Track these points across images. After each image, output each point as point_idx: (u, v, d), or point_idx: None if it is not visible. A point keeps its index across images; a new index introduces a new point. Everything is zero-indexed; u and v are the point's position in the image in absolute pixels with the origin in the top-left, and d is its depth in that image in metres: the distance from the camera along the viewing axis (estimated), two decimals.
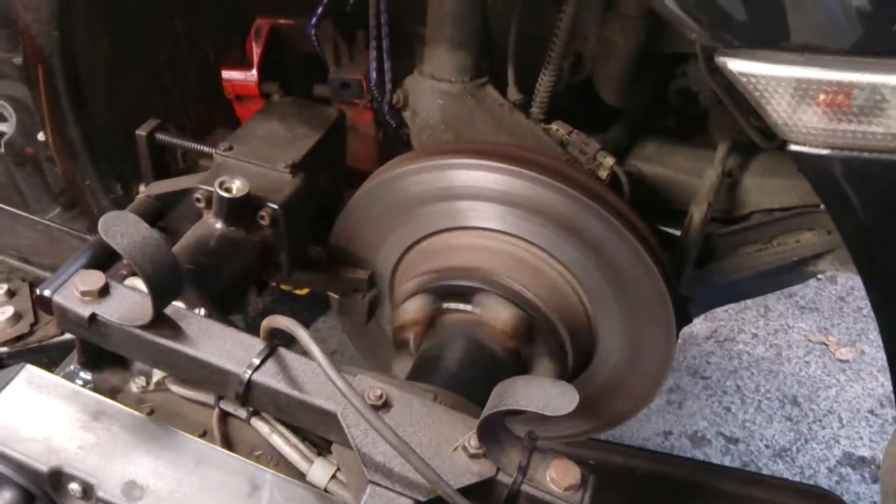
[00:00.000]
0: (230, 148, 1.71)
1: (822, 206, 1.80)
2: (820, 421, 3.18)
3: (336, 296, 1.86)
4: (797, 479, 3.00)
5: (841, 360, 3.38)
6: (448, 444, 1.22)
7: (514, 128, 1.82)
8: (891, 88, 1.06)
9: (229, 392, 1.28)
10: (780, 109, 1.13)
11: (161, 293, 1.23)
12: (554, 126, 1.84)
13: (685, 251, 1.87)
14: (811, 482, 2.99)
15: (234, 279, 1.57)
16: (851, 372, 3.34)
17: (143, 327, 1.27)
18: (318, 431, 1.28)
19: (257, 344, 1.29)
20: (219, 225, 1.59)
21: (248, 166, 1.68)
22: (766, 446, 3.09)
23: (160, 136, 1.80)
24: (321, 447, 1.33)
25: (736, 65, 1.14)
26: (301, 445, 1.31)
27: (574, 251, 1.68)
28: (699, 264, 1.94)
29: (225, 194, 1.56)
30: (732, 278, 1.95)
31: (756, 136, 1.86)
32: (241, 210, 1.59)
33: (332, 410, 1.24)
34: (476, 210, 1.71)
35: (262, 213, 1.61)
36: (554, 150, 1.82)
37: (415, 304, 1.71)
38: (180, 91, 2.07)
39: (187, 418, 1.35)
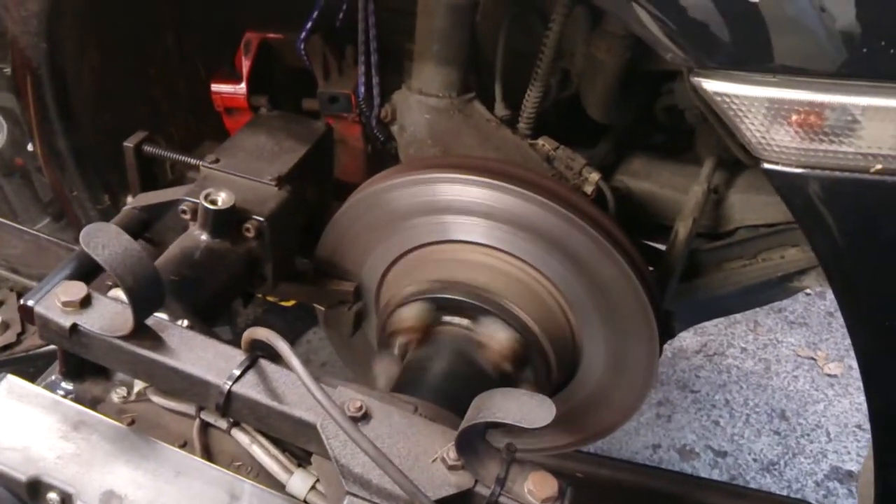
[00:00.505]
0: (217, 160, 1.72)
1: None
2: (808, 435, 3.18)
3: (322, 308, 1.86)
4: (785, 493, 3.00)
5: (829, 375, 3.39)
6: (427, 455, 1.23)
7: (501, 143, 1.83)
8: (861, 109, 1.07)
9: (210, 403, 1.29)
10: (753, 129, 1.14)
11: (142, 304, 1.23)
12: (540, 142, 1.85)
13: (670, 266, 1.88)
14: (799, 496, 2.99)
15: (217, 291, 1.57)
16: (839, 387, 3.34)
17: (124, 338, 1.27)
18: (297, 443, 1.29)
19: (238, 355, 1.30)
20: (204, 237, 1.60)
21: (235, 179, 1.68)
22: (755, 460, 3.09)
23: (147, 148, 1.80)
24: (301, 458, 1.33)
25: (711, 85, 1.16)
26: (281, 456, 1.31)
27: (559, 266, 1.69)
28: (684, 279, 1.95)
29: (210, 206, 1.57)
30: (717, 293, 1.96)
31: (740, 154, 1.82)
32: (226, 222, 1.60)
33: (311, 422, 1.24)
34: (463, 224, 1.71)
35: (248, 225, 1.62)
36: (540, 165, 1.83)
37: (412, 311, 1.71)
38: (170, 103, 2.08)
39: (168, 429, 1.36)
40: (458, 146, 1.85)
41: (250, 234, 1.62)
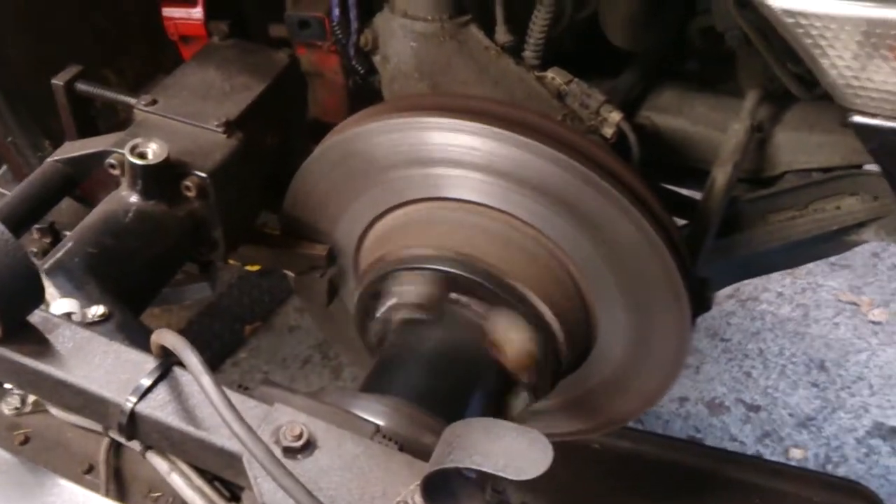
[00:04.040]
0: (154, 102, 1.38)
1: (870, 167, 1.55)
2: (849, 388, 2.88)
3: (292, 274, 1.53)
4: (822, 450, 2.73)
5: (873, 322, 3.06)
6: (386, 498, 0.91)
7: (502, 76, 1.49)
8: None
9: (110, 424, 0.97)
10: (841, 65, 0.77)
11: (8, 304, 0.90)
12: (550, 74, 1.50)
13: (706, 220, 1.56)
14: (837, 454, 2.73)
15: (150, 265, 1.25)
16: (884, 335, 3.02)
17: None
18: (223, 475, 0.97)
19: (147, 362, 0.97)
20: (133, 198, 1.27)
21: (174, 124, 1.34)
22: (790, 415, 2.80)
23: (81, 86, 1.46)
24: (234, 489, 1.01)
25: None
26: (207, 489, 0.99)
27: (570, 230, 1.36)
28: (721, 234, 1.63)
29: (138, 161, 1.23)
30: (759, 250, 1.65)
31: (793, 85, 1.55)
32: (159, 179, 1.26)
33: (236, 452, 0.92)
34: (455, 178, 1.38)
35: (188, 182, 1.28)
36: (549, 102, 1.50)
37: (419, 283, 1.38)
38: (119, 32, 1.73)
39: (70, 449, 1.04)
40: (450, 80, 1.51)
41: (191, 194, 1.28)
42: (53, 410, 1.05)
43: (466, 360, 1.37)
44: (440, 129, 1.36)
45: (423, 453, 0.99)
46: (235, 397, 0.94)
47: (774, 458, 2.67)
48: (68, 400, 0.96)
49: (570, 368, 1.46)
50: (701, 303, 1.46)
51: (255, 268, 1.65)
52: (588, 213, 1.34)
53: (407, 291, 1.39)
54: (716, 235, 1.59)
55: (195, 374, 0.88)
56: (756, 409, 2.81)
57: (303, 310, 2.95)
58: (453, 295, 1.38)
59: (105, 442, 1.03)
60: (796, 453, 2.70)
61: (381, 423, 1.11)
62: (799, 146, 1.66)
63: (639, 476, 2.00)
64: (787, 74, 1.53)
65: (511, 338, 1.37)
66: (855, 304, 3.12)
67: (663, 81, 1.75)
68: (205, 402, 0.94)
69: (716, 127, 1.67)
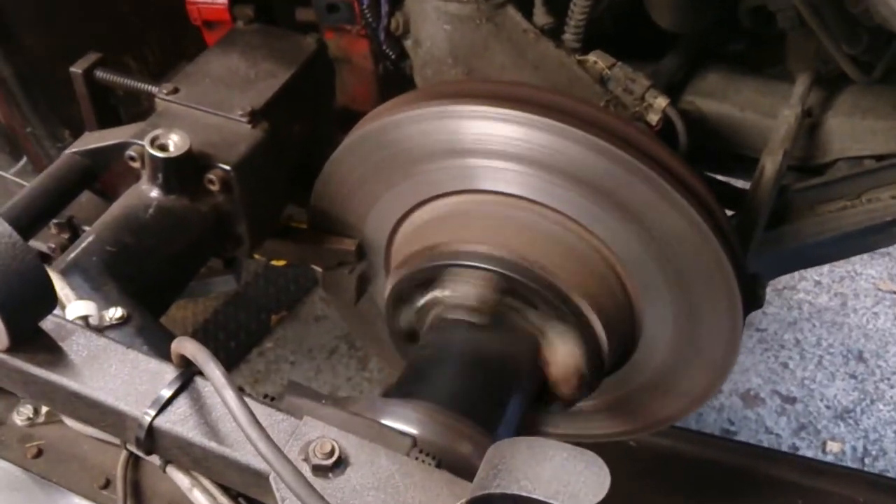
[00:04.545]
0: (175, 90, 1.29)
1: None
2: (888, 379, 2.78)
3: (319, 269, 1.45)
4: (861, 443, 2.64)
5: None
6: None
7: (541, 61, 1.40)
8: None
9: (127, 437, 0.89)
10: None
11: (17, 311, 0.83)
12: (592, 58, 1.41)
13: (755, 211, 1.47)
14: (876, 447, 2.64)
15: (171, 263, 1.17)
16: None
17: (7, 351, 0.87)
18: (249, 493, 0.89)
19: (166, 372, 0.89)
20: (154, 193, 1.19)
21: (197, 114, 1.26)
22: (827, 407, 2.71)
23: (100, 74, 1.38)
24: None
25: None
26: None
27: (615, 223, 1.27)
28: (768, 226, 1.53)
29: (158, 153, 1.15)
30: (808, 242, 1.55)
31: (849, 67, 1.48)
32: (181, 173, 1.18)
33: (262, 470, 0.84)
34: (495, 171, 1.29)
35: (211, 175, 1.20)
36: (591, 88, 1.41)
37: (478, 285, 1.28)
38: (139, 18, 1.64)
39: (86, 462, 0.97)
40: (486, 65, 1.42)
41: (215, 188, 1.20)
42: (69, 421, 0.98)
43: (513, 370, 1.28)
44: (478, 117, 1.27)
45: (461, 468, 0.91)
46: (261, 410, 0.87)
47: (811, 452, 2.59)
48: (83, 412, 0.89)
49: (611, 370, 1.36)
50: (752, 299, 1.36)
51: (281, 263, 1.58)
52: (635, 205, 1.24)
53: (462, 290, 1.29)
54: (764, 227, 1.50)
55: (218, 388, 0.80)
56: (792, 400, 2.72)
57: (329, 300, 2.89)
58: (510, 300, 1.29)
59: (123, 455, 0.96)
60: (833, 446, 2.62)
61: (415, 431, 1.04)
62: (851, 132, 1.56)
63: (676, 475, 1.90)
64: (844, 56, 1.44)
65: (563, 353, 1.28)
66: (895, 293, 3.01)
67: (707, 65, 1.66)
68: (227, 415, 0.86)
69: (764, 112, 1.59)
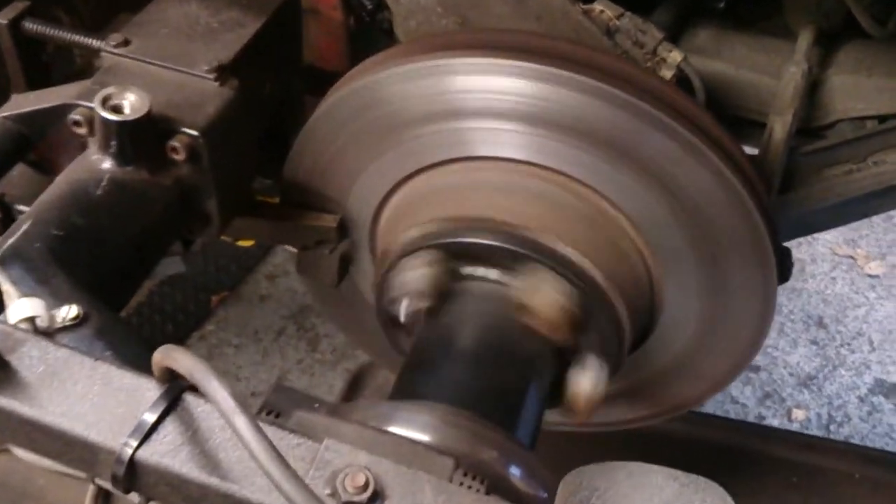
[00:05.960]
0: (126, 42, 1.08)
1: None
2: (848, 344, 2.75)
3: (294, 249, 1.26)
4: (825, 409, 2.62)
5: (870, 276, 2.93)
6: None
7: (543, 10, 1.24)
8: None
9: (100, 473, 0.70)
10: None
11: None
12: (597, 7, 1.26)
13: (767, 176, 1.33)
14: (840, 413, 2.62)
15: (131, 248, 0.97)
16: (882, 288, 2.89)
17: None
18: None
19: (147, 389, 0.70)
20: (106, 164, 0.98)
21: (153, 70, 1.06)
22: (791, 374, 2.67)
23: (29, 25, 1.16)
24: None
25: None
26: None
27: (633, 184, 1.12)
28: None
29: (112, 116, 0.94)
30: (815, 207, 1.44)
31: (866, 21, 1.39)
32: (139, 140, 0.98)
33: None
34: (492, 132, 1.12)
35: (175, 143, 0.99)
36: (597, 39, 1.25)
37: (418, 265, 1.11)
38: None
39: (42, 500, 0.77)
40: (482, 15, 1.25)
41: (179, 157, 1.00)
42: (19, 451, 0.78)
43: (500, 339, 1.12)
44: (477, 71, 1.10)
45: (505, 489, 0.75)
46: (273, 433, 0.68)
47: (776, 421, 2.54)
48: (41, 445, 0.69)
49: (633, 345, 1.21)
50: (782, 272, 1.23)
51: (249, 243, 1.38)
52: (655, 161, 1.09)
53: (410, 279, 1.13)
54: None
55: (226, 413, 0.62)
56: (756, 369, 2.66)
57: (274, 277, 2.69)
58: (466, 269, 1.13)
59: (91, 491, 0.76)
60: (798, 414, 2.57)
61: (427, 437, 0.87)
62: (855, 91, 1.47)
63: (668, 455, 1.78)
64: (862, 9, 1.33)
65: (538, 293, 1.11)
66: (851, 257, 3.00)
67: (697, 20, 1.54)
68: (229, 441, 0.68)
69: (761, 70, 1.48)
